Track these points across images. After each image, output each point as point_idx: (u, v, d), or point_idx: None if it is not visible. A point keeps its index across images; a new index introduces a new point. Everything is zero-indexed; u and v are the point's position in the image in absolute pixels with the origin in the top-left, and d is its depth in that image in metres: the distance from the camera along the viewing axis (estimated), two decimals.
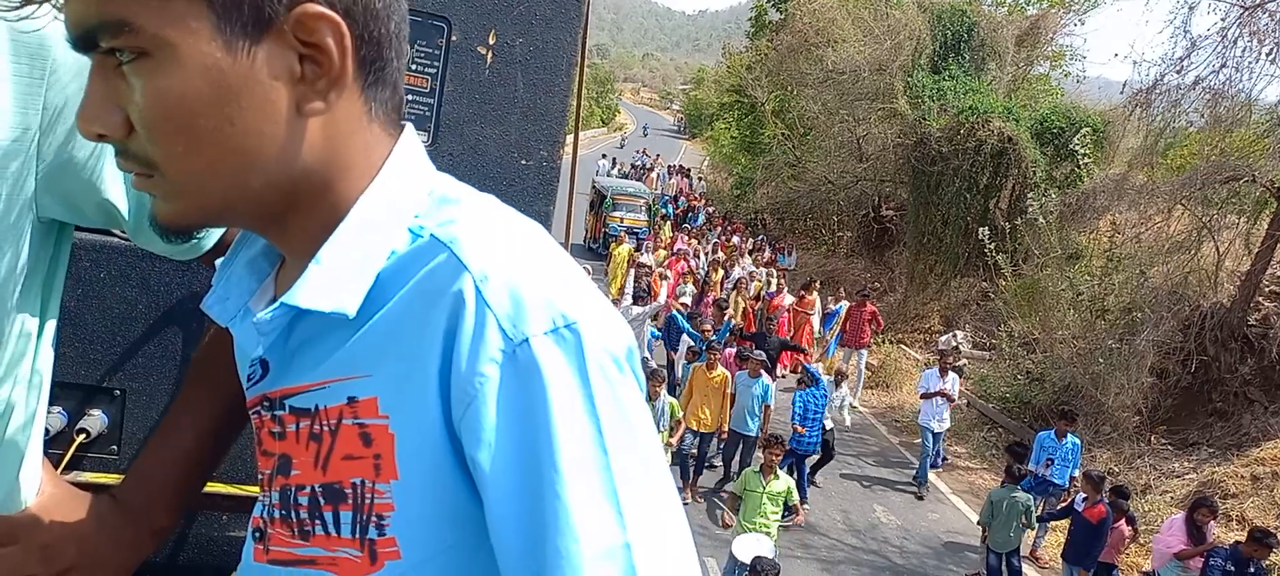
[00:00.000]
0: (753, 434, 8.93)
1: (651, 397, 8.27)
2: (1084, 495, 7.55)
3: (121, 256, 1.45)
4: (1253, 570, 6.46)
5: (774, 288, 14.64)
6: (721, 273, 15.51)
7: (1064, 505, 8.41)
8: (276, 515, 0.77)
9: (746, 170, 29.25)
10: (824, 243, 23.60)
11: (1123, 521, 7.62)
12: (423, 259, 0.70)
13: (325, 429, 0.73)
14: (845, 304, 13.90)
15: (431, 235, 0.71)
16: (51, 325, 0.89)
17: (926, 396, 10.18)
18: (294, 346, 0.76)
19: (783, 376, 11.96)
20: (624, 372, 0.67)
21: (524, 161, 1.61)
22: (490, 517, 0.66)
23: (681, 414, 8.64)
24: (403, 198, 0.73)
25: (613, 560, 0.62)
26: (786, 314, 13.71)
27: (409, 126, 0.78)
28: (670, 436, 8.48)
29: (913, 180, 17.17)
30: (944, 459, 10.98)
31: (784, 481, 6.96)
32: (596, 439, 0.63)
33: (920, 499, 10.07)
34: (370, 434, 0.70)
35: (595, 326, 0.66)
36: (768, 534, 6.60)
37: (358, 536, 0.72)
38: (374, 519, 0.71)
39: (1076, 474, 8.80)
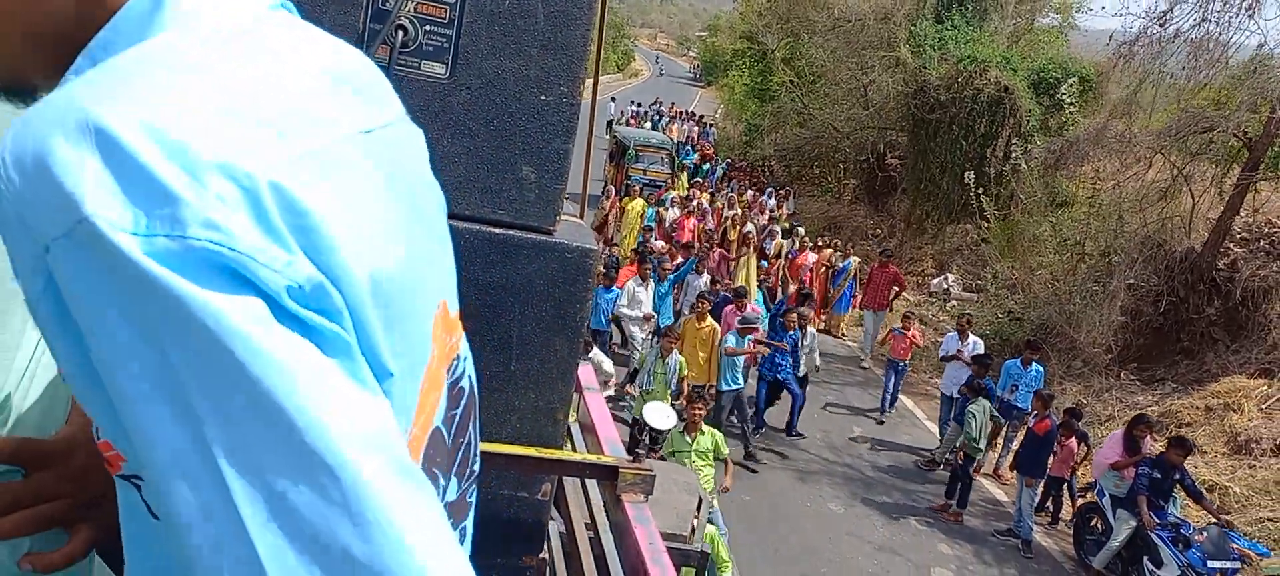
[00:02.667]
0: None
1: (664, 355, 8.43)
2: (1035, 412, 8.29)
3: None
4: (1177, 476, 7.21)
5: (796, 246, 14.09)
6: (738, 230, 14.30)
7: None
8: None
9: (755, 117, 29.65)
10: (829, 189, 24.13)
11: (1073, 439, 8.36)
12: None
13: None
14: (854, 260, 13.50)
15: None
16: None
17: (946, 360, 9.80)
18: None
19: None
20: (181, 270, 0.48)
21: (543, 97, 1.55)
22: None
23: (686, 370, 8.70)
24: (91, 52, 0.58)
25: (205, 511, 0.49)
26: (809, 273, 13.24)
27: None
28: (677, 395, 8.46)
29: (912, 128, 17.66)
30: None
31: (708, 438, 7.04)
32: (146, 358, 0.48)
33: (937, 465, 9.73)
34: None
35: (118, 216, 0.47)
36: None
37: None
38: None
39: None
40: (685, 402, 7.46)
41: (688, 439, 6.98)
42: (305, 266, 0.52)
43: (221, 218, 0.49)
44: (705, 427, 7.09)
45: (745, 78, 32.33)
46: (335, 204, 0.54)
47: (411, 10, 1.43)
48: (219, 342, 0.48)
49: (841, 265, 13.72)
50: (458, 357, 0.78)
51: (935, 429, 10.79)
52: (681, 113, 35.35)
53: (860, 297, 13.42)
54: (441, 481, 0.73)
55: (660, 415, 7.43)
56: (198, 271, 0.48)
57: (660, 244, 12.62)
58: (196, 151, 0.49)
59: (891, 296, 12.92)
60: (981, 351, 9.88)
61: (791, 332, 9.35)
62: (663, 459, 6.95)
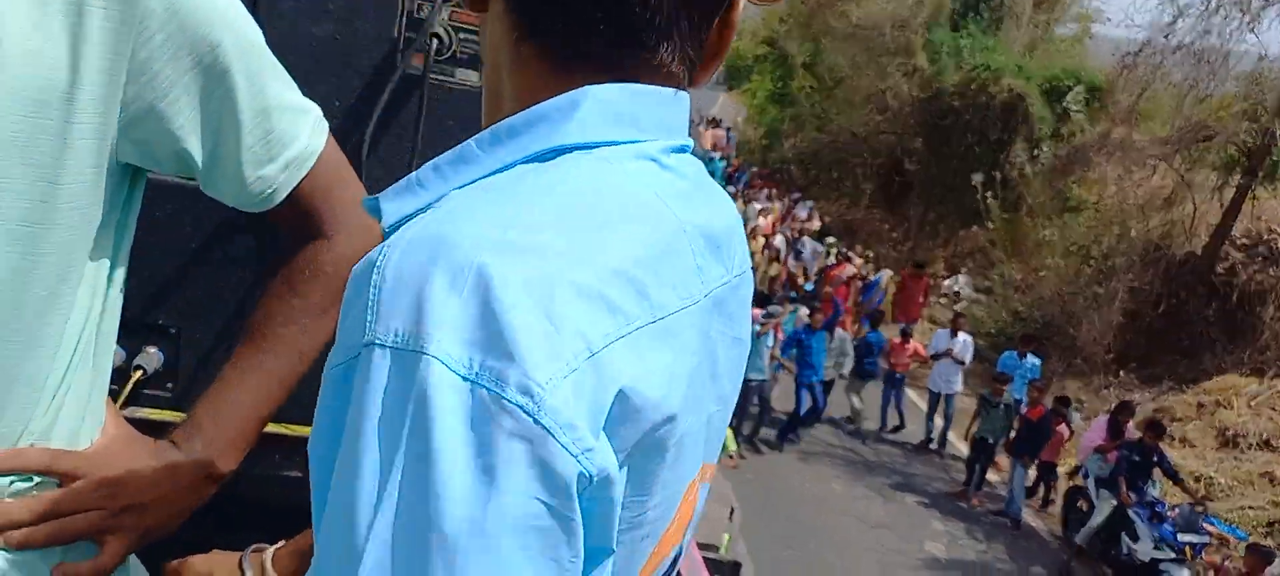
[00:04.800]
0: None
1: None
2: (1031, 399, 8.84)
3: (179, 195, 1.43)
4: (1155, 458, 7.72)
5: (833, 259, 13.93)
6: (763, 240, 14.10)
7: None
8: None
9: (775, 121, 30.12)
10: (846, 193, 24.58)
11: (1062, 425, 8.87)
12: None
13: None
14: (886, 272, 13.41)
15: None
16: (122, 269, 0.90)
17: (935, 357, 10.15)
18: None
19: None
20: (477, 430, 0.45)
21: None
22: None
23: None
24: (491, 157, 0.57)
25: None
26: (844, 286, 12.85)
27: (617, 89, 0.58)
28: None
29: (927, 133, 18.14)
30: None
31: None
32: (385, 474, 0.46)
33: (931, 450, 10.39)
34: None
35: (455, 357, 0.46)
36: None
37: None
38: None
39: None
40: None
41: None
42: (603, 458, 0.49)
43: (554, 399, 0.46)
44: None
45: (767, 83, 32.76)
46: (649, 385, 0.52)
47: (446, 18, 1.42)
48: (466, 499, 0.45)
49: (872, 278, 13.49)
50: (688, 524, 0.70)
51: (938, 419, 11.27)
52: (706, 118, 35.59)
53: (889, 310, 13.09)
54: None
55: None
56: (497, 431, 0.45)
57: None
58: (572, 325, 0.48)
59: (920, 308, 13.12)
60: (971, 350, 10.29)
61: (819, 333, 9.57)
62: None
